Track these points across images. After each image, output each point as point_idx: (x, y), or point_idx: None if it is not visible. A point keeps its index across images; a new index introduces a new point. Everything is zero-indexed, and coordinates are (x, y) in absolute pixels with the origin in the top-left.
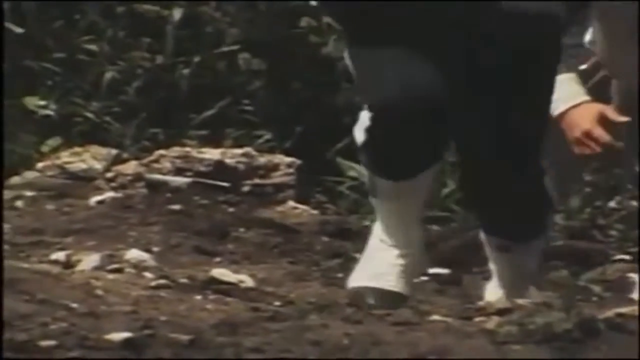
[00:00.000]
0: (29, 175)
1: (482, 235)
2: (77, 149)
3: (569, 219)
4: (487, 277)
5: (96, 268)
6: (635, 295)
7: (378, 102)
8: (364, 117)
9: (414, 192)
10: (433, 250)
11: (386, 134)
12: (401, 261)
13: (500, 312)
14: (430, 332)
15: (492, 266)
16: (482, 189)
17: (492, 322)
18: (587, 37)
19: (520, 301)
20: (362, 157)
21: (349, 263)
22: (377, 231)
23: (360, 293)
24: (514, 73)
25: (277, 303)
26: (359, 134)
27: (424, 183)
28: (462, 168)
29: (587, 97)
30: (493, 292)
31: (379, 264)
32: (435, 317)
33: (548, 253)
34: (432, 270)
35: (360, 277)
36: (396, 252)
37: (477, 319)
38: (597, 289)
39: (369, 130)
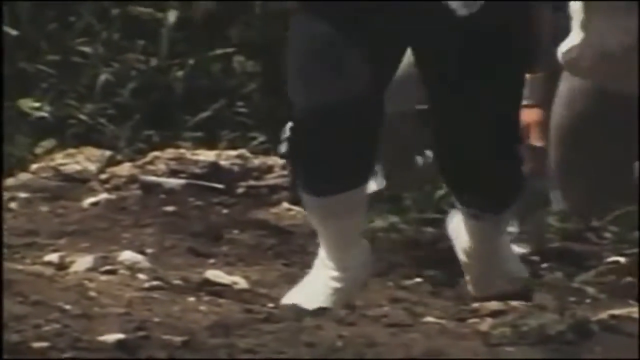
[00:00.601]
0: (23, 177)
1: (457, 205)
2: (72, 151)
3: (564, 220)
4: None
5: (90, 270)
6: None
7: (310, 98)
8: (287, 128)
9: (343, 211)
10: (427, 252)
11: (311, 142)
12: (335, 284)
13: (494, 314)
14: (424, 334)
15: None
16: (457, 164)
17: (485, 324)
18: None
19: (514, 303)
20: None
21: None
22: (320, 249)
23: (291, 309)
24: (484, 56)
25: (271, 305)
26: (283, 146)
27: (354, 202)
28: (437, 142)
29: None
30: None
31: (315, 283)
32: (429, 319)
33: (542, 255)
34: (426, 272)
35: (296, 293)
36: (333, 274)
37: (471, 321)
38: (591, 290)
39: (292, 139)
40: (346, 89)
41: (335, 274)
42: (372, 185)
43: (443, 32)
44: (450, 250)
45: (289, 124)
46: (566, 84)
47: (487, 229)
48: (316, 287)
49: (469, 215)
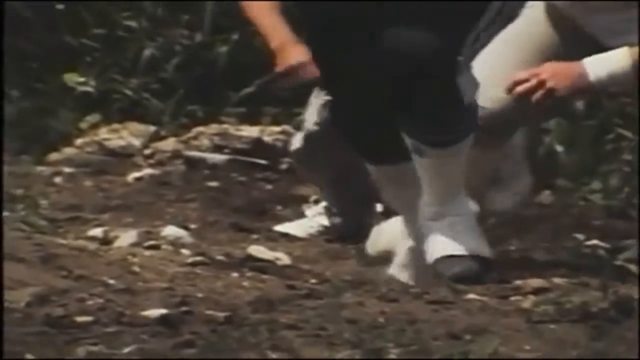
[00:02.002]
0: (68, 151)
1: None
2: (116, 126)
3: (608, 198)
4: (526, 256)
5: (133, 245)
6: None
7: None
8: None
9: (394, 179)
10: None
11: (349, 126)
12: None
13: (537, 291)
14: (466, 311)
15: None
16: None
17: (528, 301)
18: None
19: (556, 280)
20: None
21: None
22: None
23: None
24: None
25: (313, 281)
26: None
27: (398, 174)
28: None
29: None
30: None
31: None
32: (471, 296)
33: (585, 231)
34: None
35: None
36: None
37: (513, 298)
38: (634, 268)
39: (334, 116)
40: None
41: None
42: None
43: None
44: (493, 226)
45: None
46: None
47: (433, 166)
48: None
49: (415, 150)
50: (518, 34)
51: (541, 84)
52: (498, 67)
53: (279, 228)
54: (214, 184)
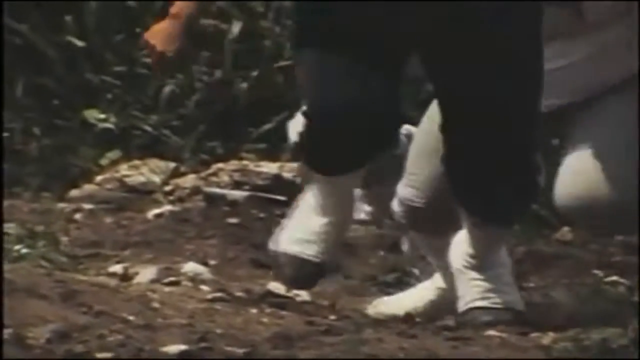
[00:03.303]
0: (88, 188)
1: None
2: (136, 162)
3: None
4: (545, 294)
5: (153, 281)
6: None
7: (320, 110)
8: (300, 119)
9: (348, 182)
10: None
11: (322, 140)
12: (327, 229)
13: (556, 328)
14: (486, 347)
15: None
16: (467, 173)
17: (547, 338)
18: None
19: (577, 317)
20: (297, 154)
21: (404, 278)
22: (307, 200)
23: (278, 257)
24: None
25: (332, 317)
26: (293, 133)
27: (359, 175)
28: (447, 146)
29: None
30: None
31: (305, 229)
32: (491, 332)
33: (604, 268)
34: None
35: (283, 240)
36: (323, 220)
37: (532, 335)
38: None
39: (306, 134)
40: (359, 103)
41: (326, 219)
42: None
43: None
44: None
45: (302, 117)
46: None
47: (489, 240)
48: (308, 233)
49: (473, 224)
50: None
51: None
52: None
53: None
54: (233, 220)
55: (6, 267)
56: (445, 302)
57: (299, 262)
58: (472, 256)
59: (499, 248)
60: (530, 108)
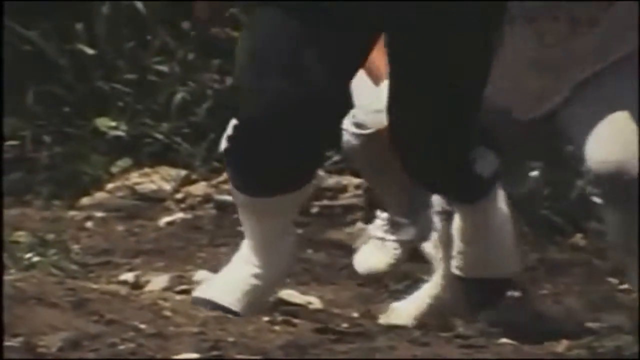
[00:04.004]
0: (99, 196)
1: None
2: (147, 170)
3: None
4: (558, 301)
5: (165, 289)
6: None
7: (261, 97)
8: (231, 124)
9: (278, 212)
10: None
11: (251, 144)
12: (255, 281)
13: (570, 336)
14: (499, 355)
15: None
16: (415, 155)
17: (561, 346)
18: None
19: (590, 324)
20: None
21: (417, 285)
22: (244, 244)
23: (198, 303)
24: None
25: (345, 325)
26: (224, 142)
27: (291, 204)
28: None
29: None
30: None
31: (232, 279)
32: (504, 340)
33: (618, 274)
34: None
35: (209, 288)
36: (255, 270)
37: (546, 342)
38: None
39: (232, 139)
40: (302, 89)
41: (257, 270)
42: (405, 235)
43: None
44: (525, 270)
45: (233, 120)
46: None
47: (468, 214)
48: (234, 282)
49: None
50: None
51: None
52: None
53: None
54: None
55: (17, 275)
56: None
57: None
58: (460, 229)
59: (482, 217)
60: (475, 98)
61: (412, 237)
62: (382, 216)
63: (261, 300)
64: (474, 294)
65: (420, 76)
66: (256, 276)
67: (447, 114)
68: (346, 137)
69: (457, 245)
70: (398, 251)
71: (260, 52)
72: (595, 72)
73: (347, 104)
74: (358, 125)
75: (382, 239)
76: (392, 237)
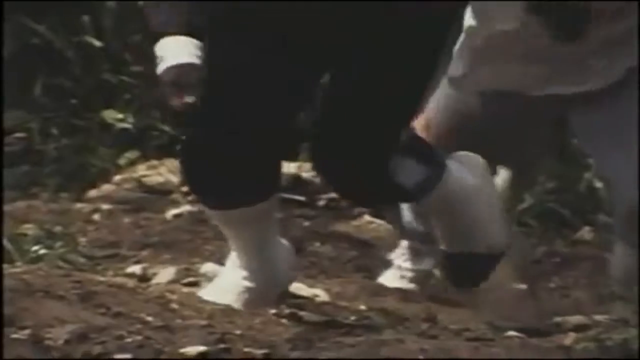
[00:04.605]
0: (106, 188)
1: None
2: (154, 163)
3: None
4: (565, 294)
5: (172, 281)
6: None
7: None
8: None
9: (247, 222)
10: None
11: (208, 155)
12: (246, 283)
13: (577, 329)
14: (507, 348)
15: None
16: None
17: (568, 339)
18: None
19: (598, 317)
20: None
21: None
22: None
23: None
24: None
25: (352, 317)
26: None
27: (259, 214)
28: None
29: None
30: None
31: (226, 281)
32: (512, 333)
33: None
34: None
35: (209, 291)
36: (243, 273)
37: (553, 335)
38: None
39: (186, 153)
40: (256, 119)
41: (245, 273)
42: (426, 264)
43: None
44: (535, 264)
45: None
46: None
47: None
48: (227, 285)
49: None
50: None
51: None
52: None
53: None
54: None
55: (24, 268)
56: None
57: None
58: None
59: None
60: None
61: (432, 266)
62: (402, 244)
63: (259, 301)
64: (454, 268)
65: (359, 93)
66: (246, 279)
67: (377, 124)
68: None
69: (433, 219)
70: (417, 280)
71: (214, 84)
72: (612, 82)
73: (294, 135)
74: None
75: (400, 267)
76: (412, 266)
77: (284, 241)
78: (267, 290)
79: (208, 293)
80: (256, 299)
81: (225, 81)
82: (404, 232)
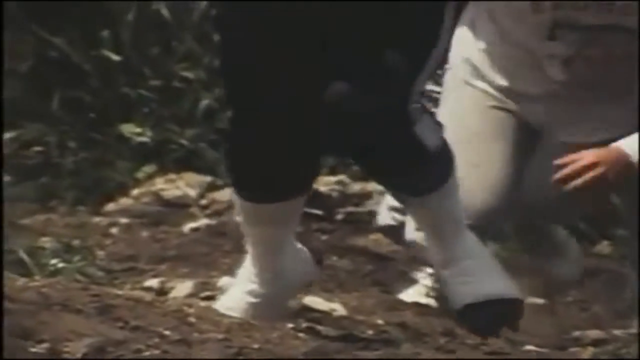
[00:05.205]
0: (124, 202)
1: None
2: (172, 176)
3: None
4: (584, 308)
5: (189, 295)
6: None
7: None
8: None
9: (278, 218)
10: (527, 279)
11: (253, 145)
12: (250, 299)
13: (596, 343)
14: None
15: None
16: (349, 143)
17: (587, 352)
18: None
19: (616, 332)
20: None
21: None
22: (246, 260)
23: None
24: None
25: (370, 332)
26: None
27: (293, 211)
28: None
29: None
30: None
31: (235, 293)
32: (530, 347)
33: None
34: (527, 300)
35: (222, 303)
36: (251, 287)
37: (572, 349)
38: None
39: (232, 144)
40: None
41: (254, 287)
42: None
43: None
44: (551, 277)
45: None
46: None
47: (424, 214)
48: (235, 298)
49: (400, 200)
50: (477, 130)
51: (587, 168)
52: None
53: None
54: None
55: (42, 281)
56: None
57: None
58: (437, 252)
59: (455, 231)
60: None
61: None
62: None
63: (268, 315)
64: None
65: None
66: (252, 294)
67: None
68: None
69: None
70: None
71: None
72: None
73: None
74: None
75: (424, 285)
76: (435, 286)
77: (301, 246)
78: (278, 299)
79: (222, 305)
80: (267, 308)
81: (257, 78)
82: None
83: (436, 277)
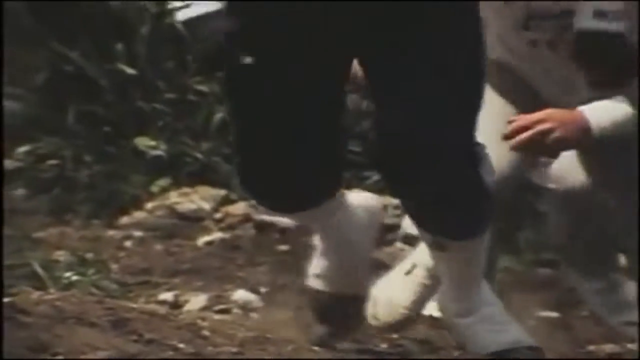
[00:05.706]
0: (138, 215)
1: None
2: (186, 190)
3: None
4: (598, 323)
5: (203, 308)
6: None
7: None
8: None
9: (322, 215)
10: (541, 293)
11: (267, 169)
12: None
13: (611, 357)
14: None
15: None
16: (404, 178)
17: None
18: None
19: (630, 346)
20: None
21: None
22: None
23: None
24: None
25: (384, 345)
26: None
27: (319, 215)
28: (381, 154)
29: None
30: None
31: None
32: None
33: None
34: (540, 314)
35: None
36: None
37: None
38: None
39: (241, 169)
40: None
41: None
42: None
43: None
44: (566, 291)
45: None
46: None
47: (456, 260)
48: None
49: (434, 244)
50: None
51: (546, 132)
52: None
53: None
54: (284, 247)
55: (56, 294)
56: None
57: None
58: (456, 300)
59: (479, 280)
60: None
61: None
62: None
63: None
64: None
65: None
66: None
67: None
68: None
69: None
70: None
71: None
72: None
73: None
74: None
75: None
76: None
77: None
78: (352, 268)
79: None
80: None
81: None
82: None
83: (446, 324)
